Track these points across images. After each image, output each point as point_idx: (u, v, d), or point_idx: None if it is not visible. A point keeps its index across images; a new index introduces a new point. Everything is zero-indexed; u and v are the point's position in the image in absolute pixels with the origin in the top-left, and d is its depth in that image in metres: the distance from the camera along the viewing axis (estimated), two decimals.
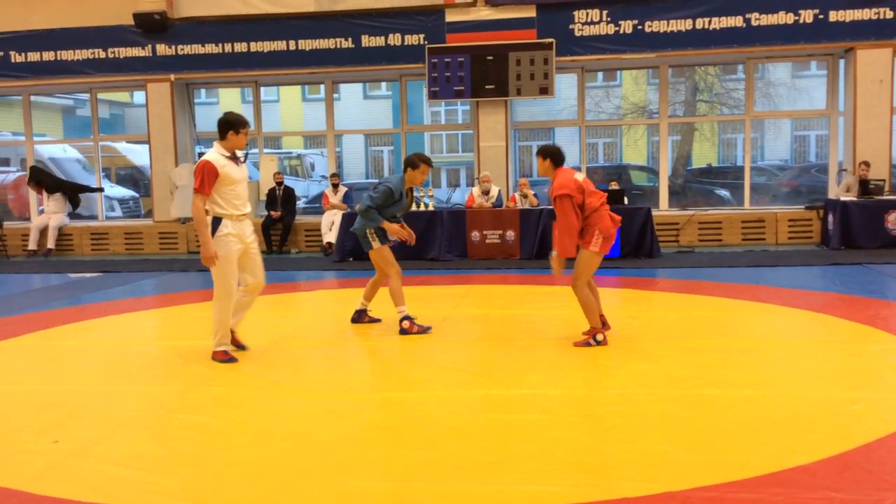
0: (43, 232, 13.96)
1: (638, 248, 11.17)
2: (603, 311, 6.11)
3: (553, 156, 5.88)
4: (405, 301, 6.59)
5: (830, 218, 11.77)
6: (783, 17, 12.15)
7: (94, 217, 15.38)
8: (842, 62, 12.77)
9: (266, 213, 13.40)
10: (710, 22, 12.31)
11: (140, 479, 3.55)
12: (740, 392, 4.66)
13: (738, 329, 6.57)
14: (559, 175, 5.83)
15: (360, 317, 7.04)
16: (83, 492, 3.41)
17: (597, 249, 5.81)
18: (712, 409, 4.35)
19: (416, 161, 6.54)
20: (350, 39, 13.14)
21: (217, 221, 5.56)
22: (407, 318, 6.53)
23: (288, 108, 23.47)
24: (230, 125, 5.58)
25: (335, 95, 14.72)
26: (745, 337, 6.24)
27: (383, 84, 22.62)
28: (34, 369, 5.85)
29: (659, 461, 3.58)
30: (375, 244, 6.59)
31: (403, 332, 6.48)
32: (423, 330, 6.53)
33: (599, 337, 5.90)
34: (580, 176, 5.86)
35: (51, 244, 13.88)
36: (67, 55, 13.82)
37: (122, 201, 16.79)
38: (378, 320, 6.97)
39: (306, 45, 13.25)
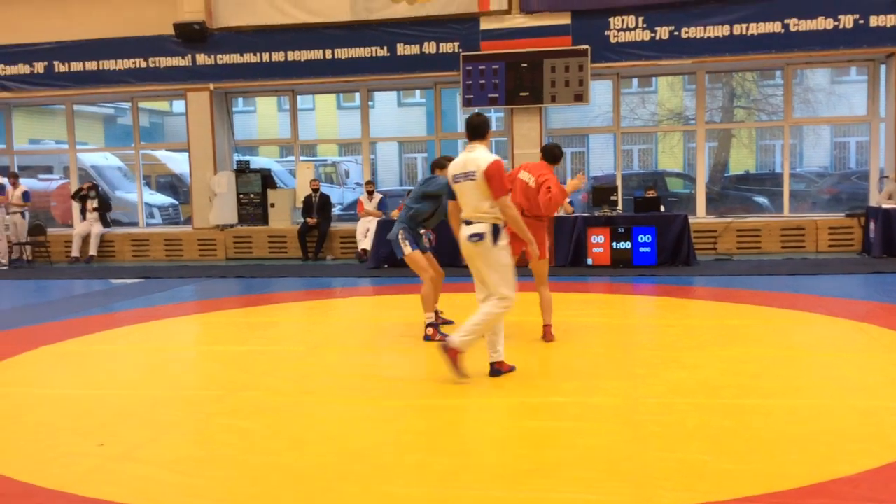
0: (85, 239, 14.25)
1: (674, 256, 11.07)
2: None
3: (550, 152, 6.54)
4: (434, 308, 6.59)
5: (872, 225, 11.56)
6: (822, 23, 11.97)
7: (134, 224, 15.67)
8: (883, 67, 12.56)
9: (302, 219, 13.52)
10: (747, 28, 12.18)
11: (182, 483, 3.62)
12: (780, 402, 4.60)
13: (777, 338, 6.48)
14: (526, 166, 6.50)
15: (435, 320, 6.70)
16: (127, 494, 3.48)
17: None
18: (752, 418, 4.30)
19: (443, 161, 6.48)
20: (385, 48, 13.23)
21: (496, 229, 5.10)
22: (432, 324, 6.54)
23: (323, 116, 23.69)
24: (488, 124, 5.24)
25: (370, 103, 14.83)
26: (785, 346, 6.16)
27: (417, 91, 22.75)
28: (78, 374, 5.97)
29: (699, 471, 3.55)
30: (406, 249, 6.57)
31: (427, 338, 6.49)
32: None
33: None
34: (525, 175, 6.38)
35: (93, 251, 14.16)
36: (109, 65, 14.10)
37: (161, 208, 17.08)
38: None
39: (342, 53, 13.38)
